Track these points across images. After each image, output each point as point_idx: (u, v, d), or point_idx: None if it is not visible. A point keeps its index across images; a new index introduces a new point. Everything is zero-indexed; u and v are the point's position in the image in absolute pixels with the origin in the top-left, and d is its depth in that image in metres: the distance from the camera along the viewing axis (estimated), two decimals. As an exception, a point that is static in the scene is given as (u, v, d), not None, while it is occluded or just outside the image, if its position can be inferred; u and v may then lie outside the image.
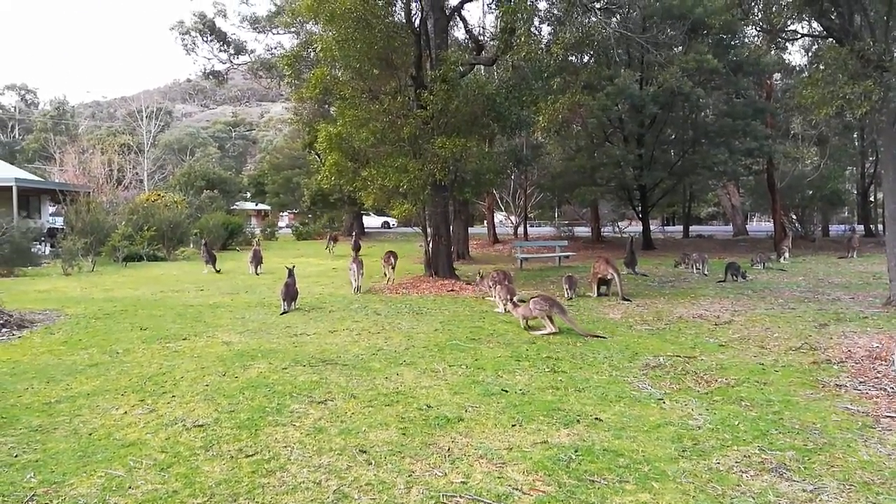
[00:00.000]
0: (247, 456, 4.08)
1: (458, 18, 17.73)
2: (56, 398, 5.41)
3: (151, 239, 21.14)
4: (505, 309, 9.76)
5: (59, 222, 26.85)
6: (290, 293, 10.29)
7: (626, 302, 11.22)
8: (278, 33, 29.73)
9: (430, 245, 15.32)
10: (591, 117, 24.48)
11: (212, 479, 3.75)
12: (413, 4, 14.31)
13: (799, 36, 14.48)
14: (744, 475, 3.82)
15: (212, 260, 17.21)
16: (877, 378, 5.94)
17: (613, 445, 4.26)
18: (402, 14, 14.10)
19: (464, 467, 3.91)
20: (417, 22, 14.38)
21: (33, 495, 3.57)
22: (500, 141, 23.17)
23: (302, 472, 3.84)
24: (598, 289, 12.16)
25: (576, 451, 4.13)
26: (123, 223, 21.27)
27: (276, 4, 28.53)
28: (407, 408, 5.05)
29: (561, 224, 38.52)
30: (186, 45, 29.71)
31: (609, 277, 11.99)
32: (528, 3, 13.68)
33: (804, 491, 3.60)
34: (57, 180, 34.93)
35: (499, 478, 3.76)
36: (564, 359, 6.80)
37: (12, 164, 41.89)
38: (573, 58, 17.68)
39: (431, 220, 15.29)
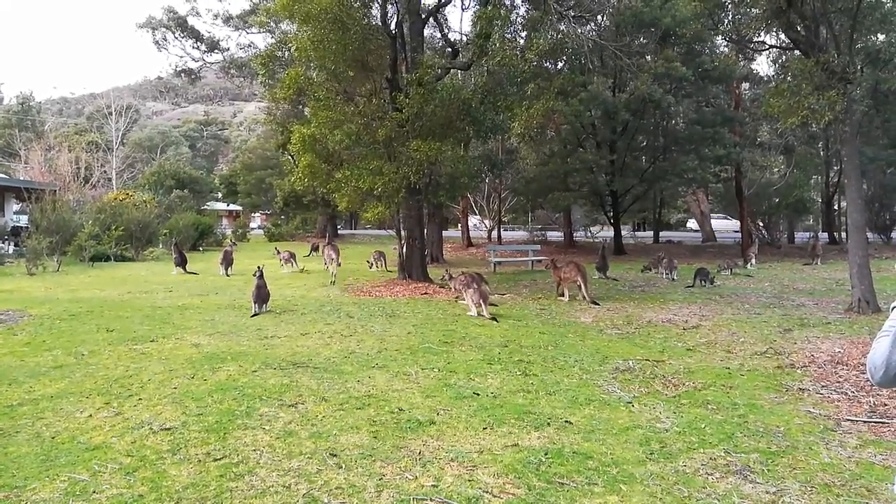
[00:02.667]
0: (215, 460, 4.03)
1: (434, 22, 17.77)
2: (18, 401, 5.28)
3: (119, 239, 20.74)
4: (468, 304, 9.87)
5: (23, 221, 26.18)
6: (262, 295, 10.18)
7: (595, 305, 11.39)
8: (252, 32, 29.41)
9: (404, 248, 15.31)
10: (565, 123, 24.75)
11: (179, 483, 3.70)
12: (389, 7, 14.30)
13: (767, 47, 14.82)
14: (709, 477, 3.89)
15: (182, 261, 16.94)
16: (838, 382, 6.10)
17: (583, 448, 4.31)
18: (378, 16, 14.08)
19: (434, 470, 3.91)
20: (393, 25, 14.38)
21: (-7, 501, 3.49)
22: (474, 145, 23.26)
23: (271, 475, 3.81)
24: (559, 289, 12.58)
25: (546, 454, 4.16)
26: (90, 222, 20.80)
27: (251, 2, 28.24)
28: (378, 411, 5.04)
29: (534, 228, 38.80)
30: (158, 42, 29.21)
31: (577, 282, 12.21)
32: (504, 10, 13.78)
33: (767, 493, 3.69)
34: (22, 178, 34.05)
35: (469, 481, 3.77)
36: (536, 362, 6.85)
37: (-26, 160, 40.77)
38: (548, 64, 17.83)
39: (405, 223, 15.28)
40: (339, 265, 14.03)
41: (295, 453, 4.15)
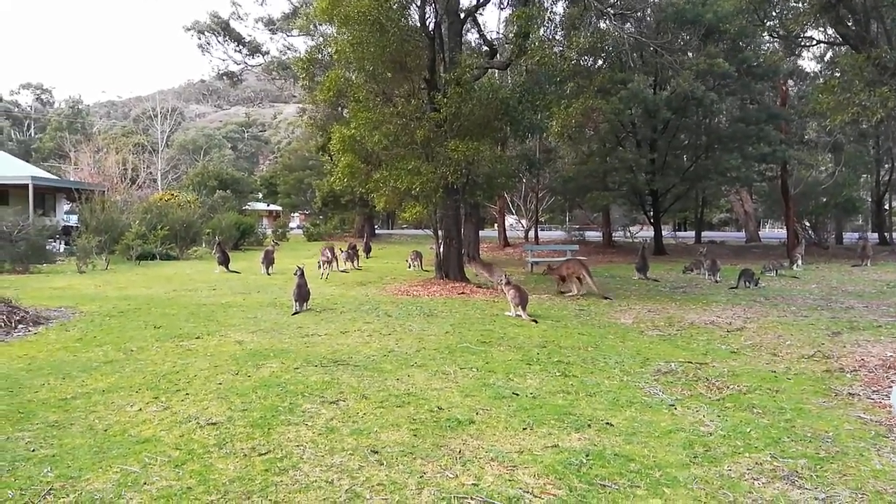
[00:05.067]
0: (260, 454, 4.12)
1: (471, 22, 17.77)
2: (72, 394, 5.48)
3: (164, 238, 21.31)
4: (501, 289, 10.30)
5: (73, 220, 27.14)
6: (302, 294, 10.34)
7: (605, 299, 12.02)
8: (293, 35, 29.89)
9: (441, 248, 15.36)
10: (604, 122, 24.44)
11: (225, 476, 3.79)
12: (427, 8, 14.35)
13: (815, 42, 14.43)
14: (755, 482, 3.81)
15: (225, 260, 17.30)
16: (890, 387, 5.89)
17: (624, 450, 4.26)
18: (417, 17, 14.15)
19: (475, 469, 3.92)
20: (431, 25, 14.43)
21: (50, 489, 3.62)
22: (512, 144, 23.19)
23: (314, 471, 3.87)
24: (559, 285, 13.32)
25: (587, 456, 4.13)
26: (137, 222, 21.43)
27: (292, 4, 28.70)
28: (418, 409, 5.07)
29: (572, 228, 38.48)
30: (202, 46, 29.95)
31: (580, 277, 12.88)
32: (544, 8, 13.71)
33: (816, 499, 3.59)
34: (72, 179, 35.28)
35: (510, 480, 3.77)
36: (575, 363, 6.80)
37: (28, 162, 42.37)
38: (587, 62, 17.69)
39: (443, 223, 15.32)
40: (330, 268, 15.54)
41: (337, 449, 4.21)
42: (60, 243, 22.99)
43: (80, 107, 73.84)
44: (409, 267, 18.74)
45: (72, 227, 24.51)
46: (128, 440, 4.39)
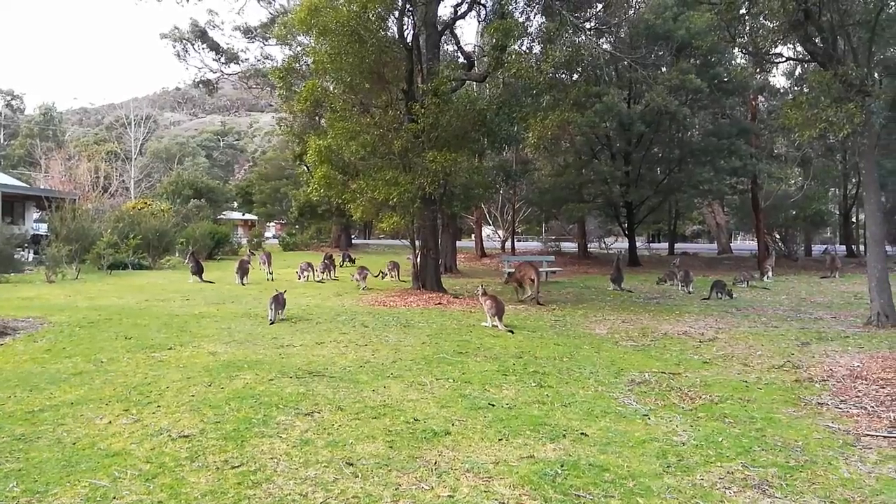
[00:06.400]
0: (233, 467, 4.06)
1: (449, 34, 17.90)
2: (39, 407, 5.36)
3: (137, 247, 20.97)
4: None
5: (43, 229, 26.59)
6: (279, 303, 10.26)
7: (539, 305, 12.76)
8: (270, 44, 29.80)
9: (418, 258, 15.36)
10: (580, 134, 24.76)
11: (197, 490, 3.73)
12: (406, 20, 14.43)
13: (784, 59, 14.75)
14: (727, 491, 3.86)
15: (199, 270, 17.09)
16: (858, 397, 6.03)
17: (599, 460, 4.29)
18: (395, 29, 14.22)
19: (450, 481, 3.92)
20: (409, 37, 14.50)
21: (16, 505, 3.54)
22: (489, 156, 23.33)
23: (288, 483, 3.83)
24: (518, 293, 14.05)
25: (562, 466, 4.16)
26: (109, 231, 21.08)
27: (269, 14, 28.63)
28: (394, 421, 5.05)
29: (548, 239, 38.75)
30: (178, 53, 29.69)
31: (532, 279, 13.62)
32: (520, 23, 13.86)
33: (786, 507, 3.66)
34: (42, 186, 34.60)
35: (485, 492, 3.77)
36: (551, 373, 6.84)
37: (-3, 169, 41.46)
38: (563, 75, 17.89)
39: (420, 234, 15.33)
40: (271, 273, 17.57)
41: (312, 462, 4.18)
42: (29, 252, 22.49)
43: (52, 113, 72.49)
44: (385, 277, 18.69)
45: (41, 235, 24.03)
46: (97, 453, 4.30)
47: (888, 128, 20.66)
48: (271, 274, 18.61)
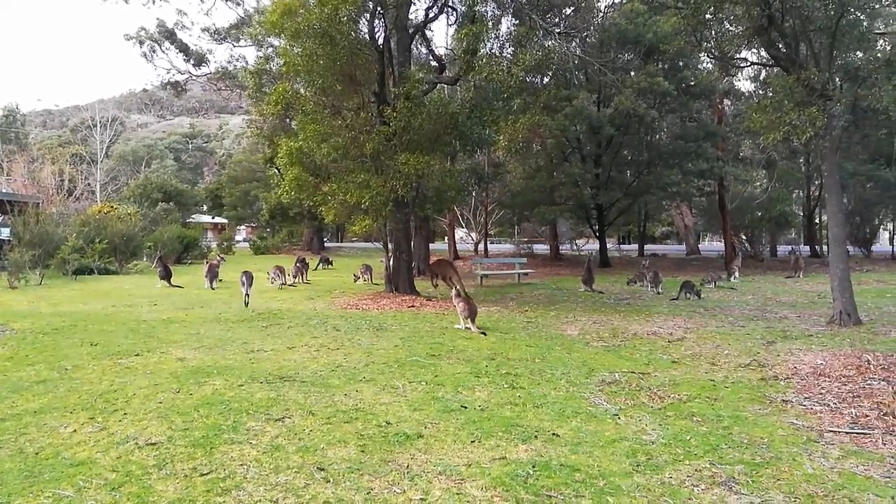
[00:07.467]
0: (201, 475, 4.00)
1: (420, 38, 17.91)
2: (1, 416, 5.21)
3: (103, 252, 20.55)
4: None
5: (5, 234, 25.86)
6: (250, 278, 12.60)
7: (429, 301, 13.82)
8: (239, 45, 29.46)
9: (391, 261, 15.32)
10: (551, 137, 24.99)
11: (165, 498, 3.67)
12: (376, 22, 14.40)
13: (748, 64, 15.08)
14: (695, 489, 3.93)
15: (167, 274, 16.81)
16: (821, 394, 6.18)
17: (570, 460, 4.33)
18: (366, 31, 14.18)
19: (423, 484, 3.92)
20: (381, 39, 14.48)
21: (-25, 518, 3.44)
22: (461, 158, 23.42)
23: (258, 490, 3.79)
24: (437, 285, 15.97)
25: (533, 467, 4.18)
26: (74, 235, 20.59)
27: (238, 15, 28.31)
28: (366, 425, 5.03)
29: (520, 241, 38.96)
30: (145, 54, 29.16)
31: (450, 276, 15.15)
32: (491, 27, 13.94)
33: None
34: (4, 190, 33.69)
35: (458, 494, 3.78)
36: (523, 375, 6.87)
37: (-45, 172, 40.22)
38: (533, 79, 18.04)
39: (392, 236, 15.30)
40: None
41: (282, 468, 4.14)
42: (-10, 257, 21.85)
43: (15, 115, 70.62)
44: (358, 280, 18.60)
45: (3, 240, 23.34)
46: (61, 463, 4.20)
47: (849, 131, 21.25)
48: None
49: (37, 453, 4.39)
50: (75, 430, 4.86)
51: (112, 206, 29.80)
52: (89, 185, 44.47)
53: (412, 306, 12.98)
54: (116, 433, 4.78)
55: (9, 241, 21.06)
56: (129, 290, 15.82)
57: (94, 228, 22.15)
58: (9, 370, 6.90)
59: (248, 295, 12.59)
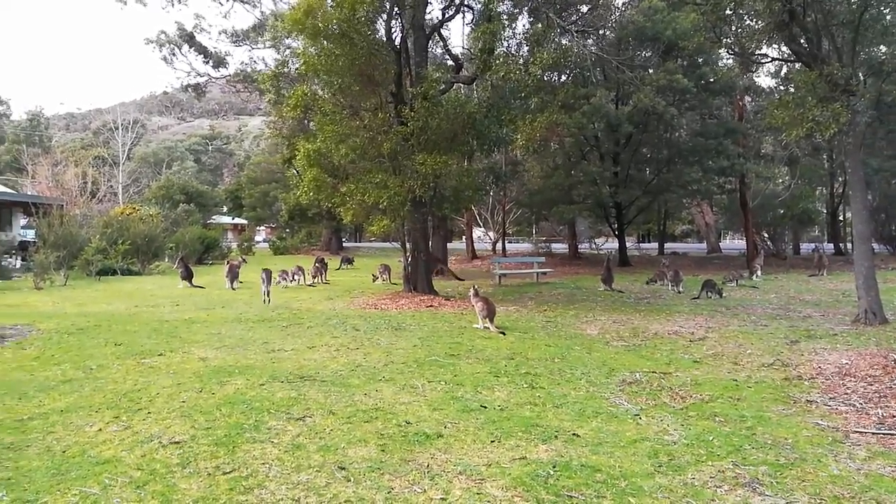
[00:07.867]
0: (224, 473, 4.04)
1: (437, 37, 17.92)
2: (28, 415, 5.31)
3: (126, 253, 20.85)
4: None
5: (30, 235, 26.36)
6: (269, 276, 13.34)
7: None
8: (258, 47, 29.74)
9: (409, 261, 15.35)
10: (569, 136, 24.84)
11: (189, 496, 3.71)
12: (393, 22, 14.44)
13: (769, 59, 14.86)
14: (718, 490, 3.88)
15: (188, 275, 17.00)
16: (846, 394, 6.08)
17: (591, 461, 4.31)
18: (383, 31, 14.22)
19: (443, 483, 3.92)
20: (398, 40, 14.51)
21: (5, 515, 3.50)
22: (479, 158, 23.39)
23: (280, 489, 3.82)
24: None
25: (554, 467, 4.17)
26: (97, 237, 20.94)
27: (256, 18, 28.57)
28: (386, 424, 5.05)
29: (538, 240, 38.83)
30: (165, 57, 29.55)
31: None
32: (506, 25, 13.90)
33: (776, 505, 3.68)
34: (29, 192, 34.31)
35: (478, 493, 3.78)
36: (543, 375, 6.85)
37: (-18, 175, 41.03)
38: (551, 77, 17.96)
39: (410, 236, 15.33)
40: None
41: (304, 466, 4.17)
42: (17, 259, 22.28)
43: (39, 119, 71.91)
44: (376, 280, 18.66)
45: (29, 242, 23.79)
46: (87, 461, 4.27)
47: (873, 127, 20.89)
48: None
49: (63, 451, 4.46)
50: (101, 429, 4.93)
51: (134, 208, 30.23)
52: (111, 186, 45.12)
53: (431, 306, 12.99)
54: (141, 432, 4.85)
55: (34, 242, 21.45)
56: (152, 290, 16.03)
57: (117, 230, 22.48)
58: (35, 370, 7.03)
59: (268, 293, 12.80)
